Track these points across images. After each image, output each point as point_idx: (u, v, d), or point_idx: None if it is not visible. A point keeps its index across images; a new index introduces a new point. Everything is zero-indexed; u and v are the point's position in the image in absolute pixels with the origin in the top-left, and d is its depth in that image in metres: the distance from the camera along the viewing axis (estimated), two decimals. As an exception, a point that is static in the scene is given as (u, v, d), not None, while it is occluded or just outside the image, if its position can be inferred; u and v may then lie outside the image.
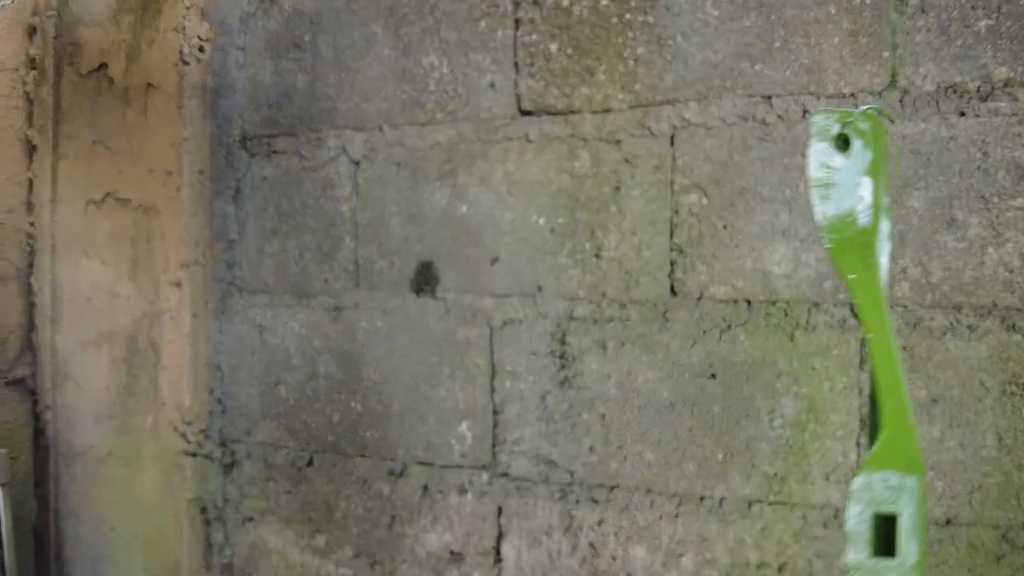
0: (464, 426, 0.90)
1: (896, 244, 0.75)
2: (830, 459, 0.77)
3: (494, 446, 0.89)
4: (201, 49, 0.95)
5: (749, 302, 0.80)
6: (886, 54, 0.75)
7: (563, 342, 0.86)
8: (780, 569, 0.79)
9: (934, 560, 0.74)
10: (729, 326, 0.81)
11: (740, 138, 0.80)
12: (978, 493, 0.73)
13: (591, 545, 0.85)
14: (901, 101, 0.75)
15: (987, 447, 0.72)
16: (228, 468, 1.00)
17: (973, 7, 0.72)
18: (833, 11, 0.76)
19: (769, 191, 0.79)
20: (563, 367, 0.86)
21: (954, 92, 0.73)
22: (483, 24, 0.87)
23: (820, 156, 0.35)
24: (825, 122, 0.35)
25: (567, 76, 0.84)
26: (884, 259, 0.38)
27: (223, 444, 1.00)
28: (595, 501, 0.85)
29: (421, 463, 0.92)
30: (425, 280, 0.91)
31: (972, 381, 0.73)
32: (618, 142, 0.83)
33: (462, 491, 0.90)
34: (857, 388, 0.76)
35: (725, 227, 0.80)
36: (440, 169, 0.89)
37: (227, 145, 0.97)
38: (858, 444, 0.76)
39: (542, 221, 0.86)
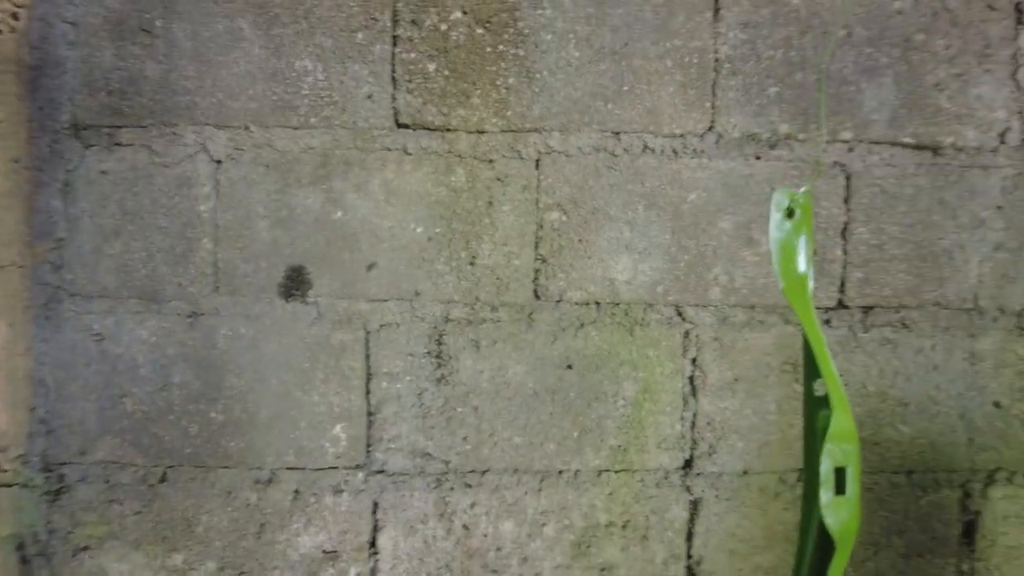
0: (339, 428, 0.92)
1: (711, 256, 0.94)
2: (661, 431, 0.95)
3: (369, 445, 0.92)
4: (15, 16, 0.82)
5: (599, 304, 0.94)
6: (708, 104, 0.93)
7: (440, 343, 0.92)
8: (624, 526, 0.95)
9: (737, 502, 0.96)
10: (583, 324, 0.94)
11: (594, 166, 0.93)
12: (765, 448, 0.96)
13: (464, 527, 0.94)
14: (717, 143, 0.94)
15: (771, 413, 0.96)
16: (54, 496, 0.89)
17: (767, 76, 0.94)
18: (670, 64, 0.92)
19: (616, 212, 0.94)
20: (440, 366, 0.92)
21: (753, 139, 0.94)
22: (360, 36, 0.89)
23: (776, 222, 0.48)
24: (780, 198, 0.48)
25: (445, 96, 0.90)
26: (810, 287, 0.53)
27: (47, 469, 0.89)
28: (468, 486, 0.93)
29: (292, 468, 0.92)
30: (295, 285, 0.91)
31: (762, 363, 0.95)
32: (491, 161, 0.91)
33: (337, 491, 0.92)
34: (680, 372, 0.95)
35: (580, 241, 0.93)
36: (314, 174, 0.90)
37: (53, 132, 0.86)
38: (682, 418, 0.95)
39: (420, 230, 0.91)
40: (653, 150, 0.93)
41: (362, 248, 0.90)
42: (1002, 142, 1.00)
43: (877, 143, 0.97)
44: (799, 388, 0.96)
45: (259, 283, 0.90)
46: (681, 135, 0.94)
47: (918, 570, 1.00)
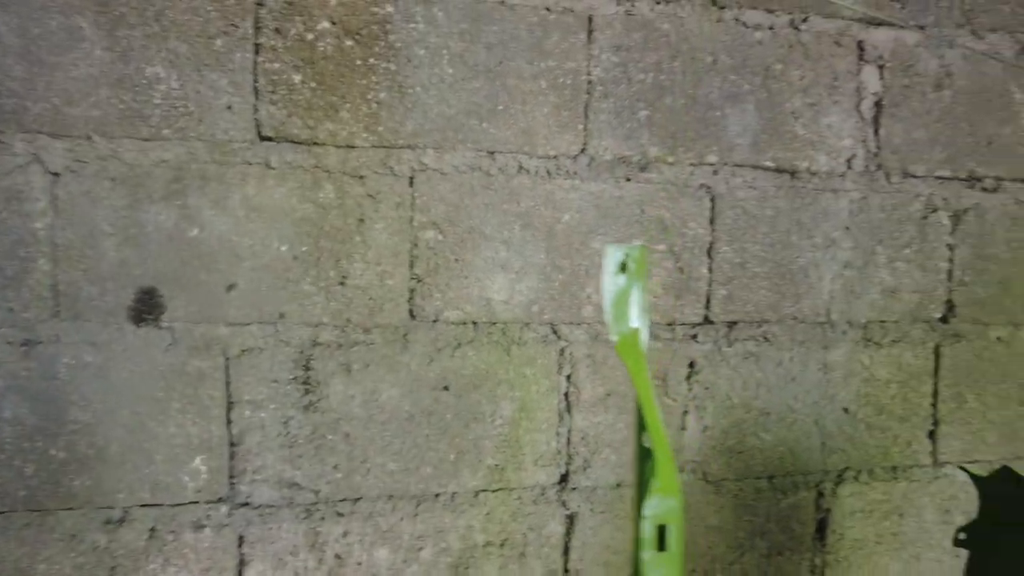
0: (198, 461, 0.86)
1: (583, 275, 0.96)
2: (538, 448, 0.95)
3: (232, 477, 0.87)
4: None
5: (476, 323, 0.93)
6: (580, 127, 0.94)
7: (307, 368, 0.88)
8: (502, 545, 0.95)
9: (611, 515, 0.98)
10: (460, 344, 0.93)
11: (469, 185, 0.92)
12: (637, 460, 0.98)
13: (337, 556, 0.90)
14: (589, 165, 0.95)
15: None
16: None
17: (638, 99, 0.96)
18: (544, 85, 0.92)
19: (491, 231, 0.93)
20: (307, 392, 0.88)
21: (623, 162, 0.96)
22: (219, 43, 0.83)
23: (610, 277, 0.48)
24: (614, 253, 0.48)
25: (311, 109, 0.86)
26: (644, 340, 0.53)
27: None
28: (340, 515, 0.90)
29: (147, 505, 0.85)
30: (147, 308, 0.84)
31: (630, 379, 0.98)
32: (362, 177, 0.88)
33: (198, 527, 0.86)
34: (556, 389, 0.95)
35: (457, 260, 0.92)
36: (167, 189, 0.83)
37: None
38: (557, 434, 0.96)
39: (284, 248, 0.87)
40: (528, 170, 0.93)
41: (221, 268, 0.85)
42: (849, 167, 1.07)
43: (740, 166, 1.02)
44: (668, 401, 0.99)
45: (106, 307, 0.83)
46: (555, 156, 0.94)
47: (778, 569, 1.07)
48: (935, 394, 1.13)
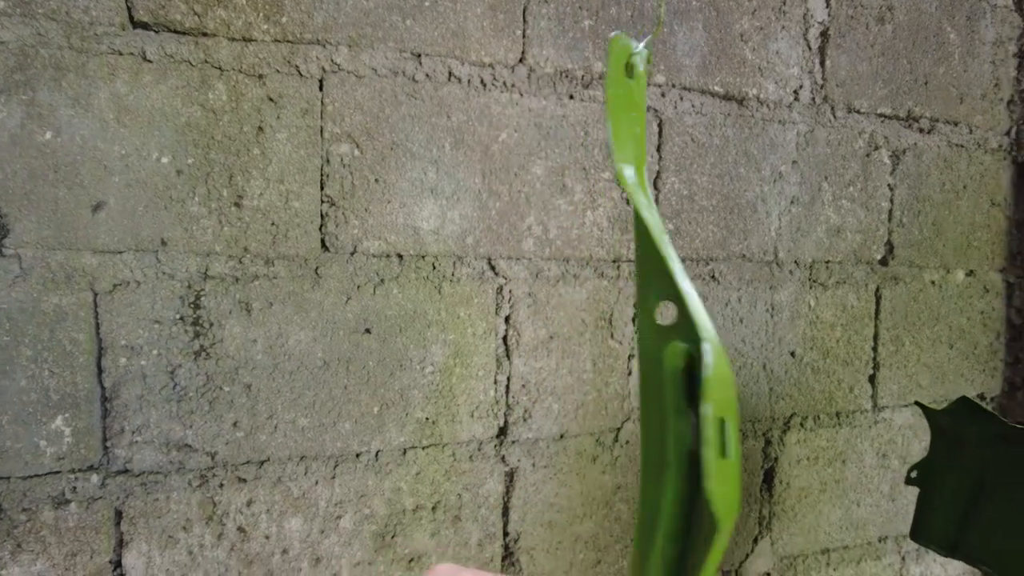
0: (59, 420, 0.70)
1: (524, 204, 0.85)
2: (474, 398, 0.84)
3: (106, 440, 0.72)
4: None
5: (401, 256, 0.81)
6: (518, 32, 0.83)
7: (197, 306, 0.73)
8: (434, 508, 0.84)
9: (554, 470, 0.88)
10: (382, 280, 0.80)
11: (391, 91, 0.79)
12: (581, 409, 0.89)
13: (240, 529, 0.76)
14: (528, 77, 0.84)
15: (587, 371, 0.89)
16: None
17: (580, 7, 0.85)
18: (477, -18, 0.80)
19: (418, 148, 0.81)
20: (198, 335, 0.74)
21: (566, 77, 0.86)
22: None
23: (614, 78, 0.38)
24: (619, 47, 0.37)
25: (198, -11, 0.71)
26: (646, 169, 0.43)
27: None
28: (243, 480, 0.76)
29: (-11, 478, 0.68)
30: (-15, 231, 0.67)
31: (576, 319, 0.88)
32: (261, 77, 0.74)
33: (60, 503, 0.70)
34: (494, 332, 0.85)
35: (377, 180, 0.79)
36: (7, 79, 0.66)
37: None
38: (495, 382, 0.85)
39: (166, 160, 0.71)
40: (459, 79, 0.82)
41: (84, 183, 0.69)
42: (796, 99, 1.02)
43: (689, 89, 0.93)
44: (613, 344, 0.90)
45: (-74, 228, 0.65)
46: (490, 64, 0.83)
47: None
48: (876, 337, 1.11)
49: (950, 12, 1.14)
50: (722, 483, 0.27)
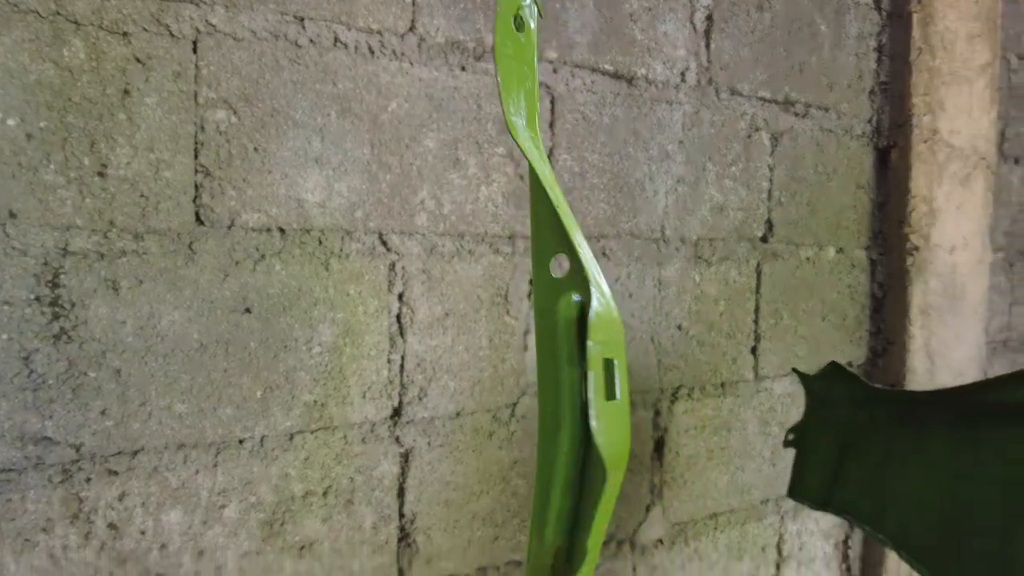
0: None
1: (416, 177, 0.83)
2: (366, 378, 0.82)
3: (-55, 434, 0.64)
4: None
5: (283, 230, 0.77)
6: (408, 0, 0.81)
7: (55, 284, 0.67)
8: (325, 493, 0.81)
9: (450, 448, 0.87)
10: (263, 256, 0.76)
11: (272, 56, 0.75)
12: (477, 386, 0.88)
13: (111, 526, 0.71)
14: (419, 47, 0.82)
15: (483, 348, 0.88)
16: None
17: (472, -25, 0.84)
18: (363, -56, 0.77)
19: (302, 116, 0.77)
20: (57, 316, 0.67)
21: (458, 48, 0.84)
22: None
23: (503, 30, 0.36)
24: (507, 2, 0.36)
25: (46, -67, 0.64)
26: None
27: None
28: (113, 473, 0.71)
29: None
30: None
31: (472, 296, 0.87)
32: (126, 35, 0.68)
33: None
34: (386, 310, 0.82)
35: (256, 149, 0.75)
36: None
37: None
38: (389, 361, 0.83)
39: (13, 123, 0.64)
40: (346, 45, 0.78)
41: (-88, 145, 0.61)
42: (683, 80, 1.05)
43: (580, 67, 0.94)
44: (509, 320, 0.90)
45: None
46: (379, 32, 0.80)
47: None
48: (757, 311, 1.16)
49: (820, 5, 1.21)
50: (609, 425, 0.27)
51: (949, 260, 1.41)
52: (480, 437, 0.89)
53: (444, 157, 0.84)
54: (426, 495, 0.87)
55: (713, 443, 1.13)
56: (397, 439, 0.84)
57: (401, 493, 0.85)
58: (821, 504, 0.92)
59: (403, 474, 0.85)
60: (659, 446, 1.07)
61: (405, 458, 0.85)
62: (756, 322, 1.16)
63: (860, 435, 0.88)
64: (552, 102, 0.92)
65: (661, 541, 1.08)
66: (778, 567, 1.26)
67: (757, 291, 1.16)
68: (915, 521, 0.84)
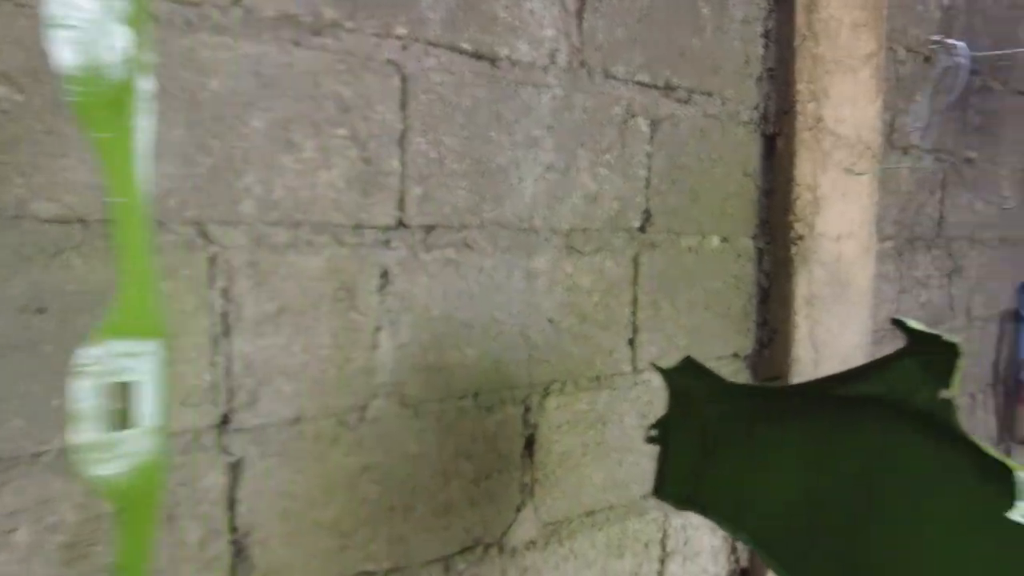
0: None
1: (241, 161, 0.76)
2: (185, 383, 0.75)
3: None
4: None
5: (84, 221, 0.69)
6: (224, -35, 0.73)
7: None
8: (139, 508, 0.74)
9: (288, 456, 0.81)
10: (60, 250, 0.68)
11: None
12: (319, 388, 0.82)
13: None
14: (244, 20, 0.75)
15: (325, 347, 0.82)
16: None
17: (301, -59, 0.77)
18: (167, -100, 0.69)
19: (102, 93, 0.69)
20: None
21: (291, 22, 0.77)
22: None
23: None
24: None
25: None
26: (144, 122, 0.36)
27: None
28: None
29: None
30: None
31: (311, 291, 0.81)
32: None
33: None
34: (208, 307, 0.75)
35: (49, 132, 0.67)
36: None
37: None
38: (212, 364, 0.76)
39: None
40: (157, 17, 0.70)
41: None
42: (552, 62, 1.00)
43: (434, 45, 0.88)
44: (356, 316, 0.84)
45: None
46: (196, 3, 0.72)
47: (487, 492, 0.99)
48: (635, 302, 1.14)
49: (703, -13, 1.19)
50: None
51: (835, 249, 1.41)
52: (323, 443, 0.83)
53: (275, 139, 0.77)
54: (262, 506, 0.80)
55: (588, 438, 1.10)
56: (225, 448, 0.78)
57: (232, 505, 0.78)
58: (684, 503, 0.90)
59: (234, 485, 0.78)
60: (530, 443, 1.03)
61: (235, 468, 0.78)
62: (634, 314, 1.14)
63: (721, 431, 0.86)
64: (403, 81, 0.86)
65: (533, 542, 1.05)
66: (662, 563, 1.25)
67: (635, 282, 1.13)
68: (772, 518, 0.83)
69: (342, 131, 0.82)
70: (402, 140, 0.87)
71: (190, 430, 0.75)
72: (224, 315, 0.76)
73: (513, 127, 0.96)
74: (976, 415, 2.12)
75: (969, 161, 1.95)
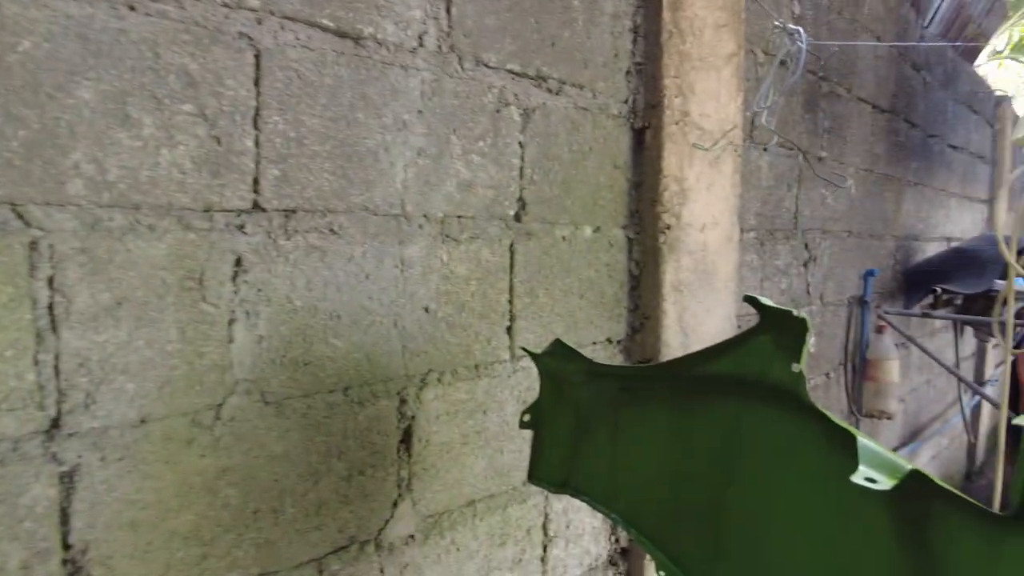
0: None
1: (66, 136, 0.68)
2: (4, 384, 0.66)
3: None
4: None
5: None
6: (40, -86, 0.65)
7: None
8: (-54, 531, 0.64)
9: (135, 461, 0.74)
10: None
11: None
12: (167, 387, 0.76)
13: None
14: (63, -24, 0.67)
15: (172, 341, 0.76)
16: None
17: None
18: None
19: None
20: None
21: (120, -19, 0.70)
22: None
23: None
24: None
25: None
26: None
27: None
28: None
29: None
30: None
31: (154, 280, 0.74)
32: None
33: None
34: (29, 299, 0.67)
35: None
36: None
37: None
38: (36, 363, 0.68)
39: None
40: (-46, -33, 0.62)
41: None
42: (421, 45, 0.98)
43: (292, 19, 0.83)
44: (207, 308, 0.78)
45: None
46: (1, -49, 0.64)
47: (360, 489, 0.95)
48: (511, 290, 1.13)
49: (572, -22, 1.20)
50: None
51: (700, 238, 1.48)
52: (175, 445, 0.76)
53: (108, 113, 0.70)
54: (103, 519, 0.72)
55: (468, 427, 1.08)
56: (54, 456, 0.69)
57: (65, 520, 0.70)
58: (559, 486, 0.90)
59: (67, 497, 0.70)
60: (407, 436, 1.00)
61: (68, 478, 0.70)
62: (511, 302, 1.13)
63: (591, 413, 0.87)
64: (257, 56, 0.81)
65: (412, 537, 1.02)
66: (545, 548, 1.25)
67: (511, 270, 1.13)
68: (641, 497, 0.84)
69: (188, 107, 0.75)
70: (256, 118, 0.81)
71: (9, 438, 0.66)
72: (51, 307, 0.68)
73: (381, 109, 0.93)
74: (831, 392, 2.29)
75: (820, 159, 2.10)
